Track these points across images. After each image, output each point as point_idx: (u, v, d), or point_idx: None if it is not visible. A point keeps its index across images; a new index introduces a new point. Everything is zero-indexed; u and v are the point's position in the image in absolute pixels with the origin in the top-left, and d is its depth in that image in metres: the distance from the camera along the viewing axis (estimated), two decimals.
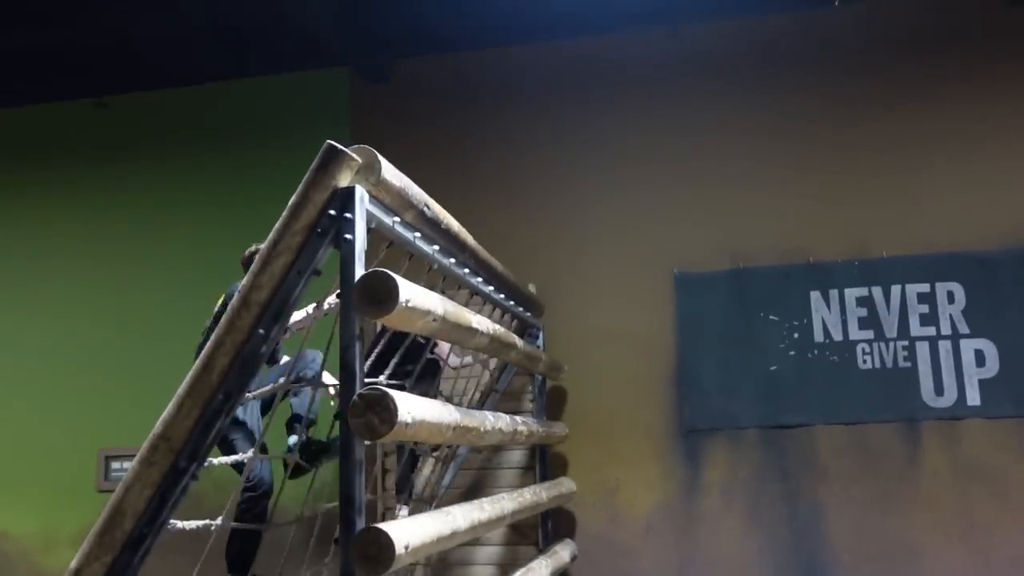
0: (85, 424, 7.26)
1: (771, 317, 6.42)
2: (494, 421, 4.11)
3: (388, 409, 2.79)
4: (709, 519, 6.26)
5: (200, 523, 3.25)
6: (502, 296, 5.13)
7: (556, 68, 7.14)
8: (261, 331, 3.02)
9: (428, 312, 3.18)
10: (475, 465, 6.45)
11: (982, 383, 6.07)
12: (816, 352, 6.32)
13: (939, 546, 5.95)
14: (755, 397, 6.34)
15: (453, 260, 4.13)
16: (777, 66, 6.77)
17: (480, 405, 6.24)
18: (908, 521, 6.01)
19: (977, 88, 6.44)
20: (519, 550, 6.17)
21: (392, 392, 2.87)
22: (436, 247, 3.88)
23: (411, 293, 3.00)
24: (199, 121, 7.61)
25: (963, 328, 6.16)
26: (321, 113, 7.34)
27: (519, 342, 4.71)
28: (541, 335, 6.42)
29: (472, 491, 6.22)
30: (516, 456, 6.44)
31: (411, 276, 3.18)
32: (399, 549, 2.77)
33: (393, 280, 2.88)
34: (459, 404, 5.60)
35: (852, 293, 6.34)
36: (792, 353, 6.34)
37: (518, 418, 4.84)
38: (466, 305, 4.23)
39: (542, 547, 6.01)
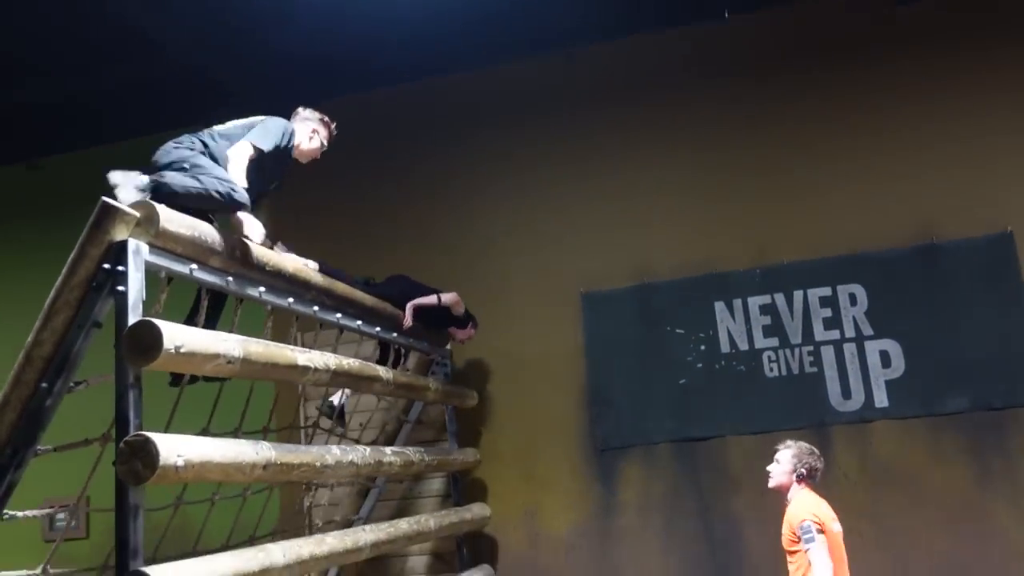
0: None
1: (677, 330, 6.42)
2: (340, 455, 4.17)
3: (150, 454, 2.87)
4: (627, 536, 6.24)
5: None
6: (377, 329, 5.21)
7: (459, 100, 7.26)
8: (45, 385, 3.12)
9: (217, 355, 3.26)
10: (396, 495, 6.52)
11: (889, 384, 6.01)
12: (723, 363, 6.30)
13: (855, 552, 5.79)
14: (666, 412, 6.34)
15: (292, 300, 4.22)
16: (672, 82, 6.83)
17: (393, 436, 6.34)
18: None
19: (870, 90, 6.44)
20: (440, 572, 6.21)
21: (163, 437, 2.95)
22: (262, 288, 3.97)
23: (186, 339, 3.09)
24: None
25: (867, 330, 6.12)
26: None
27: (384, 373, 4.77)
28: (449, 364, 6.48)
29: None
30: (436, 484, 6.49)
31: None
32: None
33: (157, 328, 2.98)
34: (364, 439, 5.74)
35: (755, 301, 6.33)
36: (700, 365, 6.34)
37: (388, 449, 4.90)
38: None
39: (459, 573, 6.04)
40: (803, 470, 4.58)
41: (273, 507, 5.65)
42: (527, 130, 7.05)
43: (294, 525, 6.03)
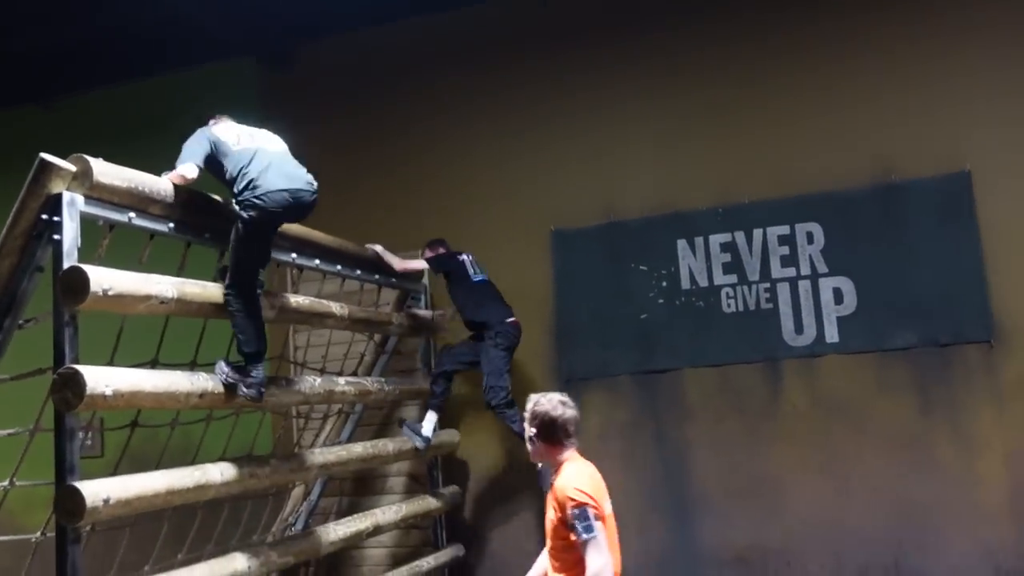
0: None
1: (641, 267, 6.66)
2: (285, 384, 4.56)
3: (79, 385, 3.27)
4: (589, 461, 6.58)
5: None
6: (339, 267, 5.55)
7: (430, 41, 7.44)
8: None
9: (149, 296, 3.64)
10: (376, 422, 6.95)
11: (840, 320, 6.20)
12: (683, 298, 6.55)
13: (801, 479, 6.17)
14: (628, 345, 6.63)
15: None
16: (642, 24, 6.90)
17: (371, 367, 6.74)
18: (771, 456, 6.24)
19: (832, 31, 6.47)
20: (415, 492, 6.63)
21: (92, 370, 3.35)
22: (208, 234, 4.31)
23: (114, 282, 3.46)
24: (115, 124, 8.03)
25: (822, 267, 6.29)
26: (230, 106, 7.76)
27: (338, 309, 5.12)
28: (423, 298, 6.82)
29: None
30: (413, 412, 6.88)
31: None
32: (95, 503, 3.27)
33: (84, 273, 3.35)
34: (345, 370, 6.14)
35: (716, 239, 6.52)
36: (661, 301, 6.59)
37: (341, 379, 5.29)
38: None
39: (431, 490, 6.48)
40: (552, 431, 3.53)
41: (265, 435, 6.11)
42: (501, 71, 7.21)
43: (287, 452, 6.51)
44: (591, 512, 3.23)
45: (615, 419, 6.61)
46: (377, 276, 6.13)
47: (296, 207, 4.24)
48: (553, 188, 6.98)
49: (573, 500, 3.26)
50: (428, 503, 6.16)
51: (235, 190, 4.14)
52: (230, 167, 4.19)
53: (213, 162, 4.22)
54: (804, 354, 6.26)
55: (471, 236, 7.06)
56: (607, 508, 3.40)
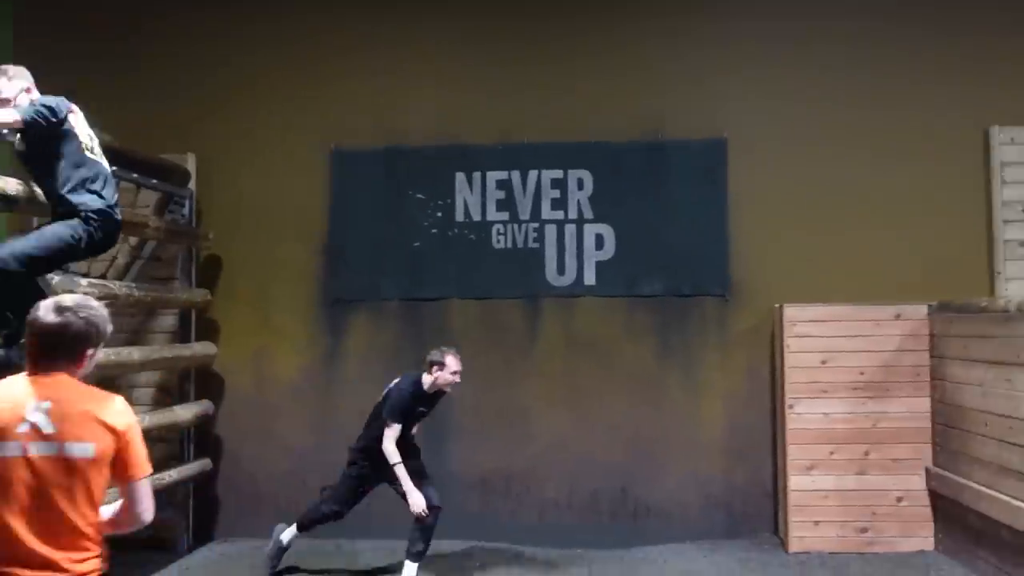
0: None
1: (418, 196, 6.69)
2: None
3: None
4: (350, 383, 6.63)
5: None
6: None
7: None
8: None
9: None
10: (127, 329, 6.58)
11: (599, 265, 6.58)
12: (456, 230, 6.66)
13: (549, 411, 6.56)
14: (398, 271, 6.68)
15: None
16: None
17: (124, 270, 6.35)
18: (524, 388, 6.57)
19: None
20: (163, 404, 6.39)
21: None
22: None
23: None
24: None
25: (588, 213, 6.61)
26: None
27: None
28: (188, 204, 6.49)
29: None
30: (170, 321, 6.58)
31: None
32: None
33: None
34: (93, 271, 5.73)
35: (493, 176, 6.67)
36: (435, 231, 6.67)
37: (84, 281, 4.94)
38: None
39: (180, 403, 6.27)
40: None
41: None
42: None
43: None
44: None
45: (379, 343, 6.68)
46: (135, 175, 5.74)
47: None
48: (336, 106, 6.80)
49: None
50: (176, 415, 5.96)
51: (76, 195, 4.02)
52: (70, 168, 4.03)
53: (45, 142, 3.99)
54: (563, 294, 6.59)
55: (246, 147, 6.81)
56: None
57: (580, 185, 6.63)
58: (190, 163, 6.56)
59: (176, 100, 6.76)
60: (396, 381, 5.48)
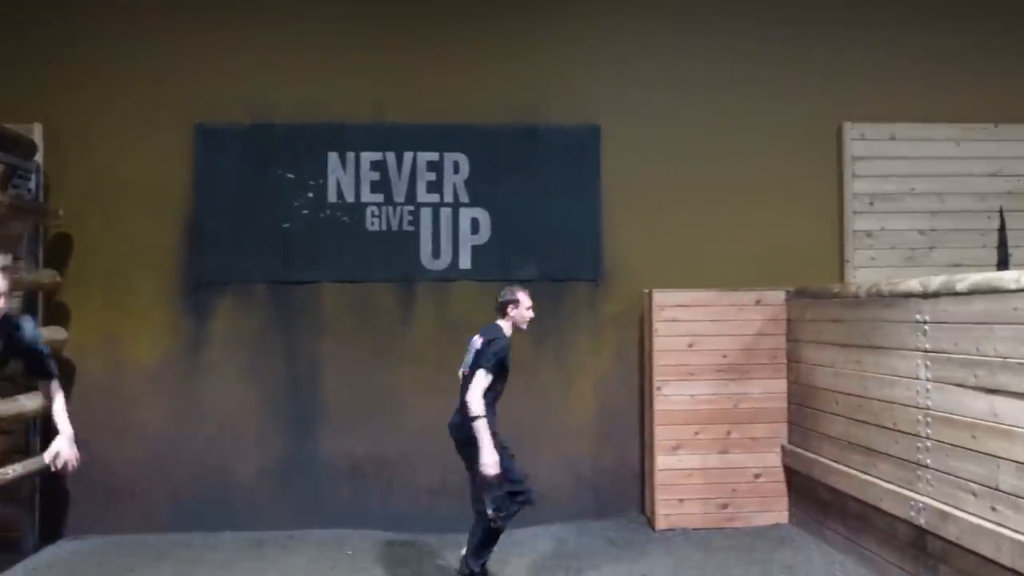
0: None
1: (288, 175, 6.47)
2: None
3: None
4: (213, 369, 6.38)
5: None
6: None
7: None
8: None
9: None
10: None
11: (474, 249, 6.56)
12: (328, 212, 6.49)
13: (422, 396, 6.47)
14: (266, 253, 6.45)
15: None
16: None
17: None
18: (397, 374, 6.48)
19: None
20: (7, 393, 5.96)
21: None
22: None
23: None
24: None
25: (464, 197, 6.58)
26: None
27: None
28: (35, 178, 6.05)
29: None
30: (14, 304, 6.11)
31: None
32: None
33: None
34: None
35: (367, 157, 6.53)
36: (306, 212, 6.48)
37: None
38: None
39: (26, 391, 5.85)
40: None
41: None
42: None
43: None
44: None
45: (245, 328, 6.44)
46: None
47: None
48: (201, 80, 6.49)
49: None
50: (21, 405, 5.55)
51: None
52: None
53: None
54: (438, 278, 6.54)
55: (102, 120, 6.42)
56: None
57: (456, 168, 6.58)
58: (36, 133, 6.12)
59: (22, 67, 6.29)
60: (480, 337, 5.01)
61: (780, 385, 6.21)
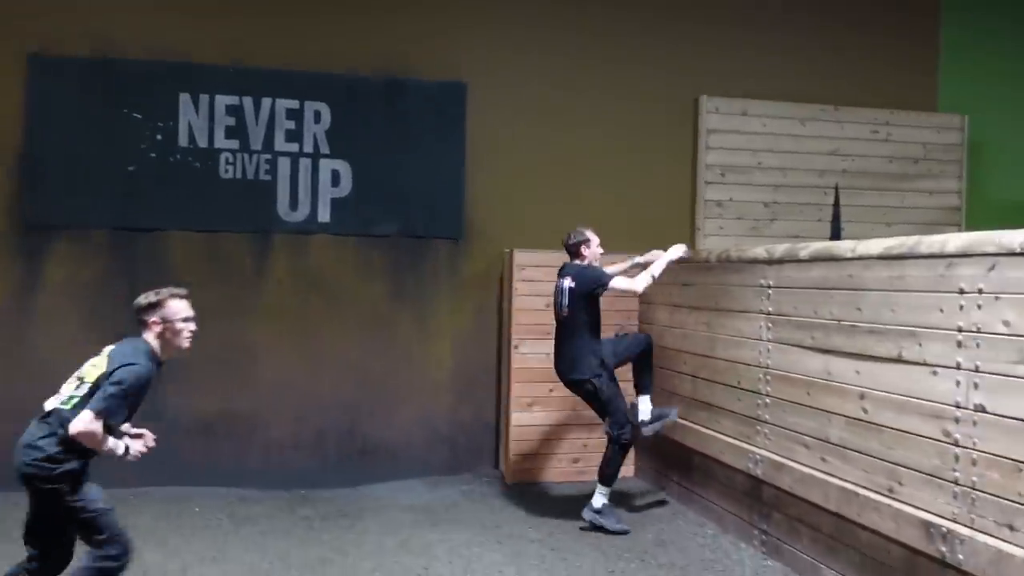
0: None
1: (135, 115, 6.08)
2: None
3: None
4: (49, 317, 5.96)
5: None
6: None
7: None
8: None
9: None
10: None
11: (334, 202, 6.41)
12: (179, 156, 6.15)
13: (276, 350, 6.33)
14: (109, 197, 6.05)
15: None
16: None
17: None
18: (251, 326, 6.28)
19: None
20: None
21: None
22: None
23: None
24: None
25: (324, 148, 6.39)
26: None
27: None
28: None
29: None
30: None
31: None
32: None
33: None
34: None
35: (223, 100, 6.22)
36: (153, 155, 6.11)
37: None
38: None
39: None
40: None
41: None
42: None
43: None
44: None
45: (83, 276, 6.04)
46: None
47: None
48: (36, 6, 5.96)
49: None
50: None
51: None
52: None
53: None
54: (295, 230, 6.35)
55: None
56: None
57: (317, 118, 6.38)
58: None
59: None
60: (568, 276, 5.38)
61: None
